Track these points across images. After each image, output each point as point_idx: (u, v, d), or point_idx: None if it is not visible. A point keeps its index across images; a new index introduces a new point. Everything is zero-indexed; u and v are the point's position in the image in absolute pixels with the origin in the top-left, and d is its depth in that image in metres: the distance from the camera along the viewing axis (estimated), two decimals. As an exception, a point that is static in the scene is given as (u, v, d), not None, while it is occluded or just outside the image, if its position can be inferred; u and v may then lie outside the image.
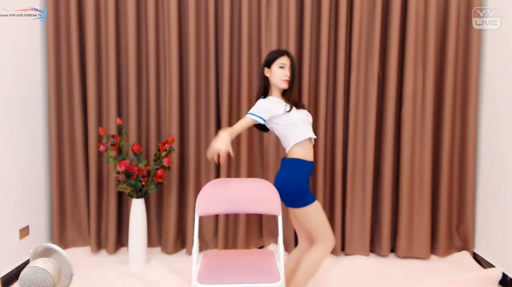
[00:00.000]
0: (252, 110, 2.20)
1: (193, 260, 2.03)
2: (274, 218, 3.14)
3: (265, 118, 2.18)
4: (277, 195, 2.19)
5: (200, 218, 3.14)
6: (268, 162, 3.09)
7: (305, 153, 2.20)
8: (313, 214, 2.17)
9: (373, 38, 2.98)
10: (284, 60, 2.24)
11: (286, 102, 2.26)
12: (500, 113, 2.84)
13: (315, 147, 2.60)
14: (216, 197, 2.18)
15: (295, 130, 2.19)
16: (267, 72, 2.27)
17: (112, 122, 3.04)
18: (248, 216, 3.13)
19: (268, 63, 2.25)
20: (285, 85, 2.24)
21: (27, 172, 2.87)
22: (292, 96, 2.25)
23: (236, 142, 3.10)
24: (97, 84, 3.07)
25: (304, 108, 2.31)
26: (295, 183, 2.16)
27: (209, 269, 1.98)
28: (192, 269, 2.02)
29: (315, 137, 2.27)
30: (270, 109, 2.19)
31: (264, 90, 2.31)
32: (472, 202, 3.07)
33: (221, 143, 2.01)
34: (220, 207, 2.20)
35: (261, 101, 2.24)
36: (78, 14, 3.03)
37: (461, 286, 2.61)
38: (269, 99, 2.26)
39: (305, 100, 2.98)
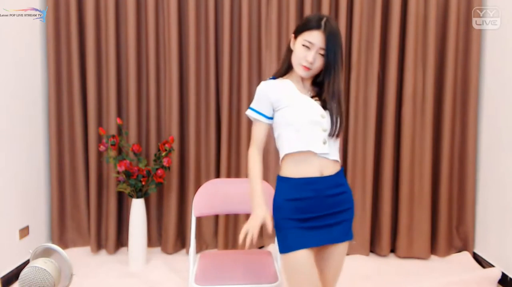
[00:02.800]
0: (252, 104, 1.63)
1: (190, 261, 2.03)
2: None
3: (266, 114, 1.58)
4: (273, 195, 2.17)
5: (200, 218, 3.16)
6: (268, 162, 3.09)
7: (298, 169, 1.52)
8: (287, 272, 1.50)
9: (373, 38, 2.98)
10: (313, 38, 1.46)
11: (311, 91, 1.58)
12: (500, 113, 2.84)
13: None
14: (213, 198, 2.18)
15: (288, 135, 1.55)
16: (292, 43, 1.56)
17: (112, 122, 3.04)
18: (248, 216, 3.12)
19: (296, 32, 1.54)
20: (302, 73, 1.52)
21: (27, 172, 2.87)
22: (327, 92, 1.51)
23: (236, 141, 3.10)
24: (97, 84, 3.07)
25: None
26: (273, 211, 1.58)
27: (206, 270, 1.97)
28: (189, 270, 2.02)
29: (318, 151, 1.52)
30: (260, 97, 1.58)
31: (288, 66, 1.60)
32: (472, 202, 3.07)
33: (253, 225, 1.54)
34: (217, 207, 2.19)
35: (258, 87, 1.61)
36: (78, 14, 3.03)
37: (461, 286, 2.61)
38: (268, 82, 1.60)
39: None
